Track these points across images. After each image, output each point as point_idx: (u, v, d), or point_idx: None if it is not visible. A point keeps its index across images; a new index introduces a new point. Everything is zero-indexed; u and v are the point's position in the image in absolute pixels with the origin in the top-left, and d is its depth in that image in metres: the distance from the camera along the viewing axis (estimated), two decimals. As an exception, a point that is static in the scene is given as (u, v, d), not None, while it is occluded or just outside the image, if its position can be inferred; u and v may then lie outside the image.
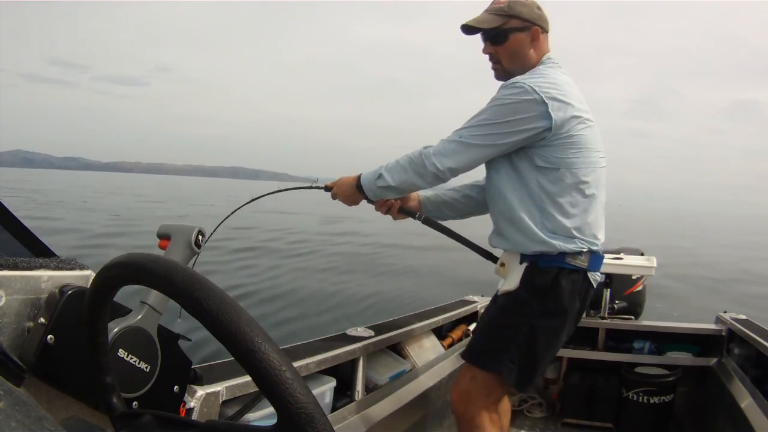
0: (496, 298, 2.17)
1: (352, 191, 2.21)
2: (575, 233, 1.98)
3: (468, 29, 2.10)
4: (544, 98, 1.88)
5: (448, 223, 2.39)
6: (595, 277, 2.09)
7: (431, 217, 2.35)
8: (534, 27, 2.05)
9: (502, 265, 2.15)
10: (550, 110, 1.88)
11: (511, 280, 2.06)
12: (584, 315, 2.15)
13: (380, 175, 2.10)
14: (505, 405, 2.32)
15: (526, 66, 2.06)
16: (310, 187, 2.35)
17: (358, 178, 2.18)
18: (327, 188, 2.30)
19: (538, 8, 2.08)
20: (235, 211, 2.26)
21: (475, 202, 2.39)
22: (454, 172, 2.02)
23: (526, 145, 1.96)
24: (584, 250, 1.99)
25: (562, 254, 1.98)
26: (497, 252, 2.21)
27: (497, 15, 2.05)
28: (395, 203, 2.29)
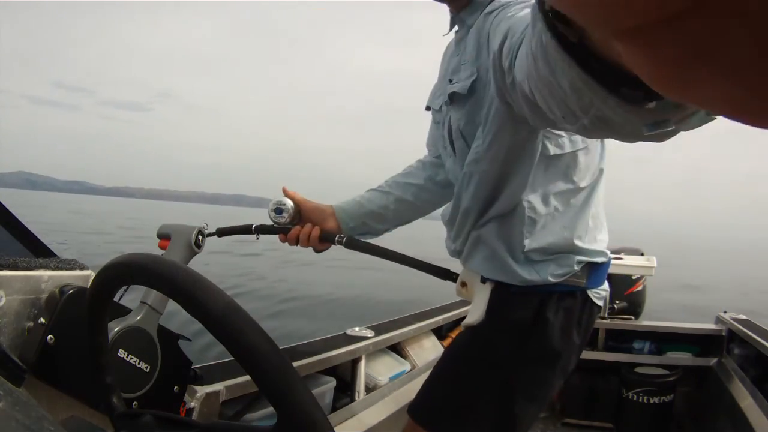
0: (460, 334, 1.55)
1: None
2: (578, 244, 1.35)
3: None
4: None
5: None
6: (600, 293, 1.42)
7: (354, 234, 1.70)
8: None
9: (464, 284, 1.53)
10: None
11: (475, 308, 1.45)
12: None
13: None
14: None
15: None
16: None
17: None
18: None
19: None
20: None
21: (413, 207, 1.73)
22: None
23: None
24: (582, 264, 1.36)
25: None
26: (456, 266, 1.58)
27: None
28: (309, 229, 1.61)
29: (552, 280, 1.33)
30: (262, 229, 1.64)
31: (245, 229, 1.65)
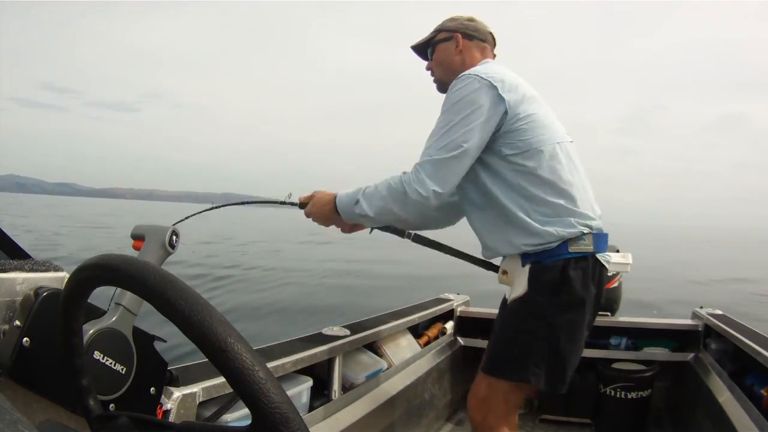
0: (506, 305, 2.07)
1: (330, 211, 2.09)
2: (572, 209, 1.89)
3: (414, 50, 2.24)
4: (492, 82, 1.86)
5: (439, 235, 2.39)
6: (606, 258, 1.98)
7: (415, 229, 2.32)
8: (455, 34, 2.11)
9: (504, 273, 2.06)
10: (501, 92, 1.85)
11: (519, 285, 1.96)
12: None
13: (357, 201, 1.98)
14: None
15: (455, 73, 2.01)
16: (283, 203, 2.20)
17: (335, 198, 2.06)
18: (301, 205, 2.17)
19: (469, 20, 2.16)
20: (192, 216, 2.11)
21: (457, 206, 2.24)
22: (439, 196, 1.86)
23: (489, 140, 1.91)
24: (585, 231, 1.90)
25: (564, 244, 1.88)
26: (497, 260, 2.11)
27: (430, 33, 2.18)
28: None
29: (566, 235, 1.87)
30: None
31: None
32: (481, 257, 2.19)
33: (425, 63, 2.20)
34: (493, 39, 2.18)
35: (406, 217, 1.94)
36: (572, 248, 1.89)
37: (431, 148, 1.88)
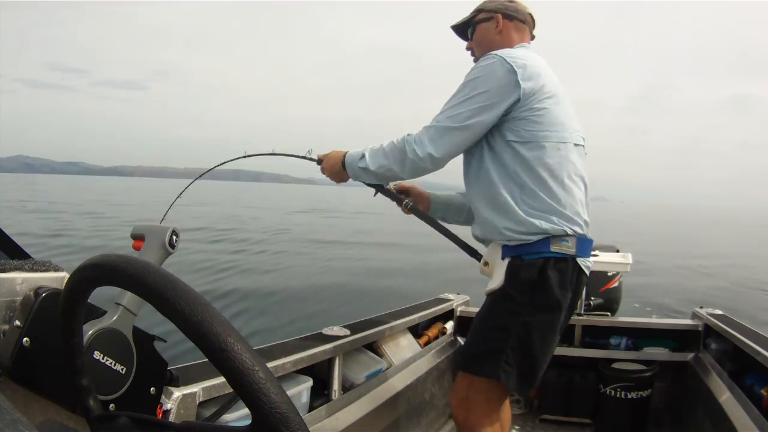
0: (485, 301, 2.08)
1: (338, 167, 2.20)
2: (558, 208, 1.91)
3: (454, 29, 2.28)
4: (514, 66, 1.89)
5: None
6: (587, 264, 2.00)
7: (436, 218, 2.37)
8: (496, 14, 2.14)
9: (486, 264, 2.08)
10: (519, 79, 1.88)
11: (496, 277, 1.98)
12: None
13: (363, 156, 2.10)
14: (507, 412, 2.20)
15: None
16: (303, 158, 2.36)
17: (345, 154, 2.18)
18: (318, 161, 2.32)
19: (509, 0, 2.17)
20: (226, 162, 2.48)
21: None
22: (435, 161, 1.97)
23: (498, 122, 1.95)
24: (569, 233, 1.91)
25: (546, 241, 1.90)
26: (482, 250, 2.15)
27: (470, 13, 2.22)
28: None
29: (549, 230, 1.88)
30: (384, 191, 2.31)
31: (377, 186, 2.29)
32: (470, 244, 2.26)
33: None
34: (533, 20, 2.20)
35: (402, 175, 2.06)
36: (554, 247, 1.90)
37: (442, 114, 1.98)
